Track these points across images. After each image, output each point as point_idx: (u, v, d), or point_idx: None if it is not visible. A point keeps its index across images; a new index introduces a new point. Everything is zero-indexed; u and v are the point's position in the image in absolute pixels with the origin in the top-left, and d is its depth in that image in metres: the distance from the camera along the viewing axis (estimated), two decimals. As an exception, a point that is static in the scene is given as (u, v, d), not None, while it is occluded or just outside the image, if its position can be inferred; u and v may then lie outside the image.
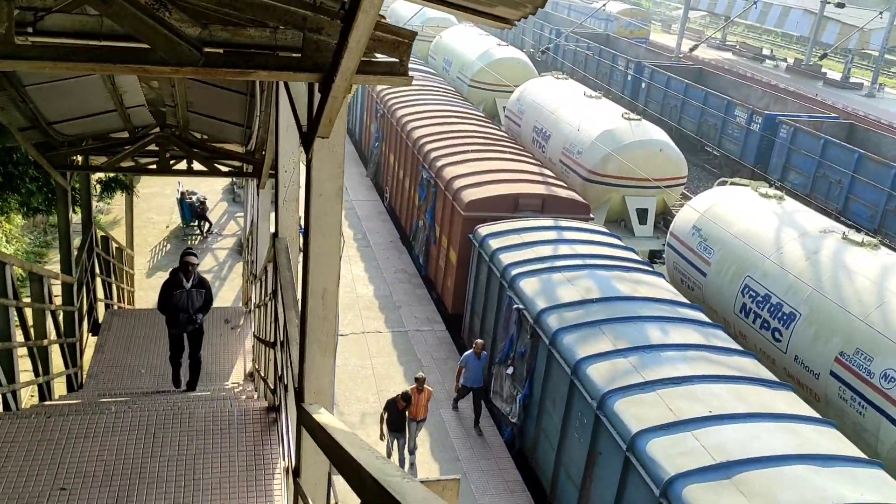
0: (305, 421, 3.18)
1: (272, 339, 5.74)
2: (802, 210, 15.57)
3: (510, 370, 12.53)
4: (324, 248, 3.12)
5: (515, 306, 12.28)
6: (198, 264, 8.98)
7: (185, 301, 8.71)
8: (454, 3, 2.56)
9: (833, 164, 23.10)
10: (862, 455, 8.83)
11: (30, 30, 2.65)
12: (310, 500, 3.05)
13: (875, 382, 11.14)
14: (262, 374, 6.88)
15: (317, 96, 2.80)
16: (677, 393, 9.47)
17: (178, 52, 2.58)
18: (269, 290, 6.05)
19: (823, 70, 43.20)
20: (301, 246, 5.22)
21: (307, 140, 3.02)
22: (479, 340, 12.83)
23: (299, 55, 2.79)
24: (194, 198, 20.07)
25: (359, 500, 2.27)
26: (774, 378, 10.28)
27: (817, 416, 9.56)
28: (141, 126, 9.93)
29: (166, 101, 8.74)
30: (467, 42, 33.32)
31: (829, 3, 41.26)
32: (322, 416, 2.83)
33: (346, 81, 2.39)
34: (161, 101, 9.04)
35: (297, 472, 3.51)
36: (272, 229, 5.96)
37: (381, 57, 2.88)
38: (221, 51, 2.76)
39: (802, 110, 28.04)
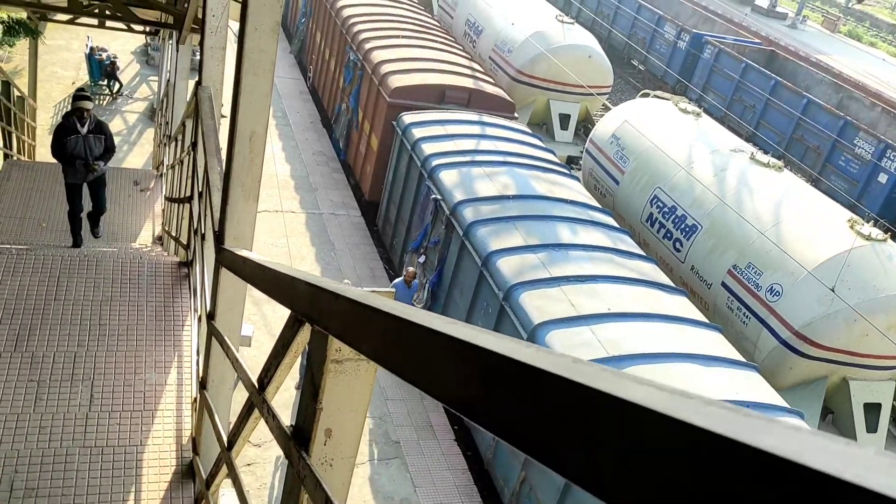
0: (226, 260, 3.16)
1: (188, 195, 5.60)
2: (717, 128, 16.03)
3: (422, 259, 12.70)
4: (255, 88, 3.02)
5: (433, 196, 12.34)
6: (92, 109, 8.17)
7: (81, 147, 7.97)
8: None
9: (750, 87, 23.75)
10: (741, 358, 9.52)
11: None
12: (226, 339, 3.07)
13: (761, 295, 11.89)
14: (175, 235, 6.74)
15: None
16: (580, 290, 9.86)
17: None
18: (188, 145, 5.86)
19: (753, -4, 43.64)
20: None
21: (246, -32, 2.88)
22: (411, 269, 11.94)
23: None
24: (104, 55, 18.89)
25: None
26: (671, 283, 10.81)
27: (706, 320, 10.18)
28: (51, -39, 9.16)
29: (82, -66, 8.04)
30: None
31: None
32: (245, 253, 2.82)
33: None
34: (76, -65, 8.31)
35: (211, 316, 3.51)
36: (194, 81, 5.71)
37: None
38: None
39: (729, 33, 28.46)
